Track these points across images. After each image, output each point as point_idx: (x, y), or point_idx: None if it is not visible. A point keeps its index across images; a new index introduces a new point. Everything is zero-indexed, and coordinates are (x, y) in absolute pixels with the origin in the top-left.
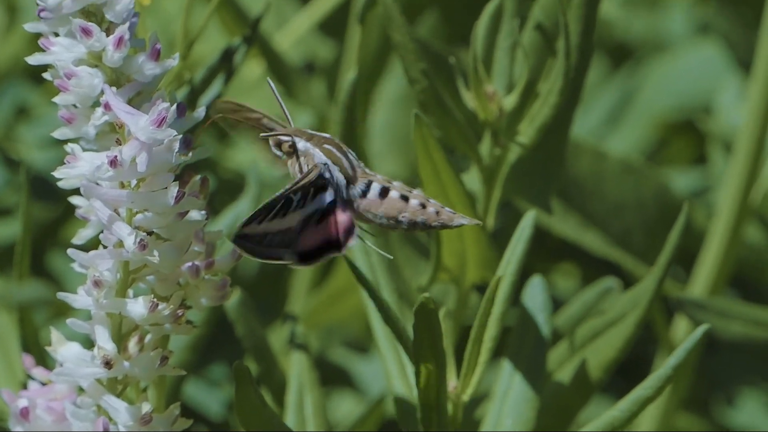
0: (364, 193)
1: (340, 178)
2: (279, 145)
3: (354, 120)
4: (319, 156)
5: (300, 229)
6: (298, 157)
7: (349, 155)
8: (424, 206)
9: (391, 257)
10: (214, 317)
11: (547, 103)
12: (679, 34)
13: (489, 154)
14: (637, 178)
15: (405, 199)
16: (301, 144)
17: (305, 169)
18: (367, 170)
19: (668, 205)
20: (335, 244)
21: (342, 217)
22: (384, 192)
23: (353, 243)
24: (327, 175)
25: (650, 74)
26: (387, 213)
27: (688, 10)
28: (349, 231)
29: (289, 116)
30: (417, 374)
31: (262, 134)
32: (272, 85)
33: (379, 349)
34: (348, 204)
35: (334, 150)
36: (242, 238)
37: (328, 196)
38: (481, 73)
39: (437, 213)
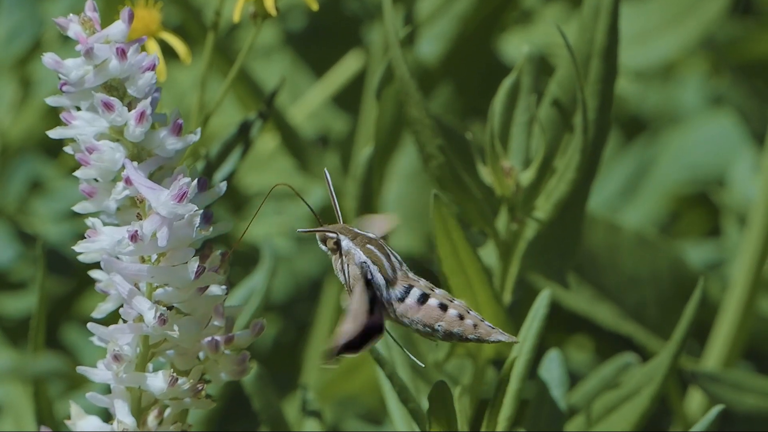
0: (403, 298)
1: (379, 278)
2: (324, 240)
3: (370, 194)
4: (359, 256)
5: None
6: (340, 255)
7: (392, 257)
8: (462, 317)
9: (423, 365)
10: (230, 390)
11: (563, 178)
12: (693, 106)
13: (506, 230)
14: (651, 250)
15: (443, 308)
16: (345, 242)
17: (346, 267)
18: (410, 274)
19: (683, 278)
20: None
21: (376, 319)
22: (423, 298)
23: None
24: (369, 276)
25: (664, 147)
26: (423, 320)
27: (701, 82)
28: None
29: (339, 212)
30: None
31: (311, 229)
32: (328, 176)
33: (392, 425)
34: (386, 306)
35: (376, 250)
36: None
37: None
38: (497, 148)
39: (475, 326)
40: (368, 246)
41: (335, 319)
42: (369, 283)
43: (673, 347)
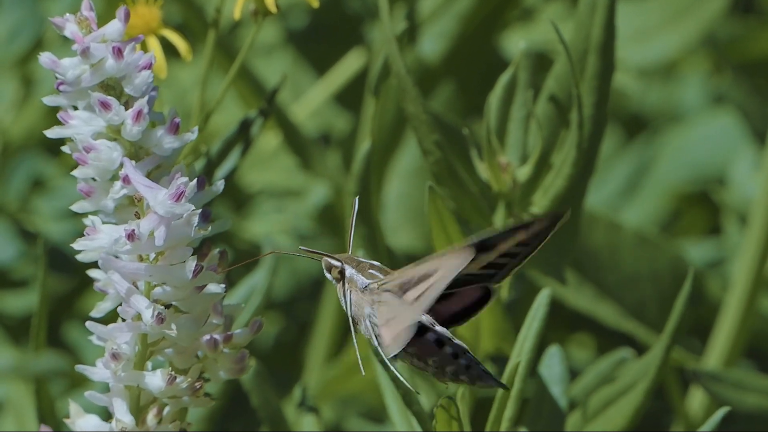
0: None
1: None
2: (329, 269)
3: (369, 191)
4: (362, 281)
5: None
6: (344, 283)
7: None
8: (456, 357)
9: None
10: (229, 388)
11: (560, 174)
12: (694, 104)
13: (503, 226)
14: (652, 249)
15: (440, 344)
16: (349, 271)
17: (347, 295)
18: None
19: (683, 276)
20: None
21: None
22: (422, 331)
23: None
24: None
25: (665, 145)
26: (418, 353)
27: (703, 80)
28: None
29: (351, 242)
30: None
31: (315, 252)
32: (356, 205)
33: (393, 425)
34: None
35: (379, 275)
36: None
37: None
38: (494, 144)
39: (467, 367)
40: (370, 271)
41: (336, 319)
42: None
43: (666, 340)
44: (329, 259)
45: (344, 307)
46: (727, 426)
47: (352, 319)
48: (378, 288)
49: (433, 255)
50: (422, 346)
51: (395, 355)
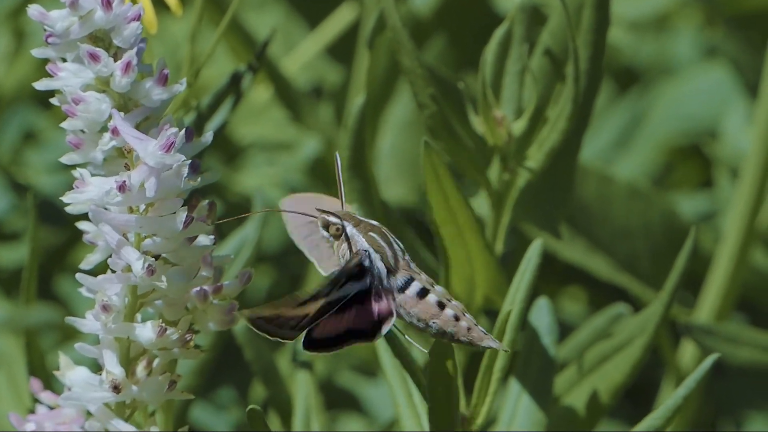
0: (403, 288)
1: (381, 267)
2: (327, 226)
3: (362, 144)
4: (362, 243)
5: (317, 316)
6: (343, 241)
7: (395, 245)
8: (457, 319)
9: (425, 351)
10: (221, 341)
11: (555, 128)
12: (687, 58)
13: (498, 179)
14: (643, 202)
15: (441, 306)
16: (349, 228)
17: (347, 254)
18: (412, 265)
19: (675, 229)
20: (362, 334)
21: (383, 305)
22: (423, 293)
23: (386, 331)
24: (367, 263)
25: (657, 98)
26: (420, 314)
27: (695, 34)
28: (388, 318)
29: (343, 198)
30: (430, 410)
31: (314, 214)
32: (338, 160)
33: (386, 378)
34: (387, 293)
35: (379, 238)
36: (257, 319)
37: (360, 285)
38: (489, 98)
39: (468, 329)
40: (371, 234)
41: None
42: (355, 278)
43: (665, 298)
44: (327, 216)
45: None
46: (719, 379)
47: None
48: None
49: None
50: (424, 307)
51: (400, 314)
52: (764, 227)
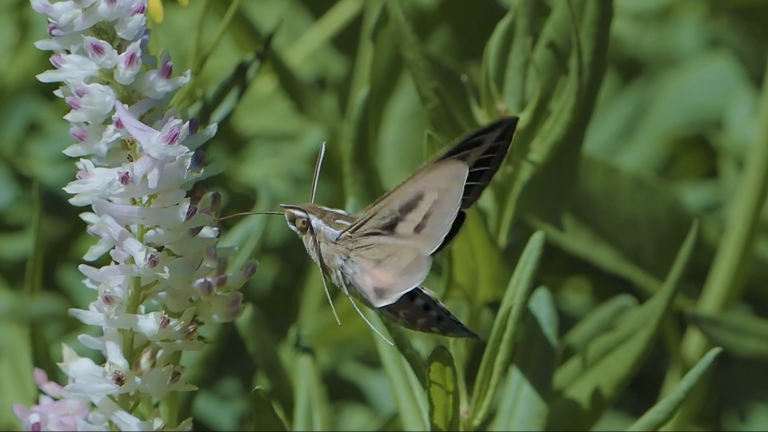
0: None
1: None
2: (293, 220)
3: (366, 137)
4: (331, 233)
5: None
6: (310, 233)
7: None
8: (427, 308)
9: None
10: (225, 333)
11: (559, 121)
12: (691, 48)
13: (501, 172)
14: (648, 193)
15: (411, 297)
16: (315, 221)
17: (317, 246)
18: None
19: (680, 220)
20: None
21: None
22: None
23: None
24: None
25: (661, 89)
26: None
27: (699, 24)
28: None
29: (314, 190)
30: (430, 406)
31: (276, 211)
32: (322, 151)
33: (386, 371)
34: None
35: (347, 224)
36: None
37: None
38: (493, 90)
39: (439, 319)
40: (338, 222)
41: None
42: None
43: (669, 289)
44: (292, 210)
45: (313, 259)
46: (724, 369)
47: (323, 269)
48: (353, 235)
49: (404, 182)
50: None
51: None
52: None
